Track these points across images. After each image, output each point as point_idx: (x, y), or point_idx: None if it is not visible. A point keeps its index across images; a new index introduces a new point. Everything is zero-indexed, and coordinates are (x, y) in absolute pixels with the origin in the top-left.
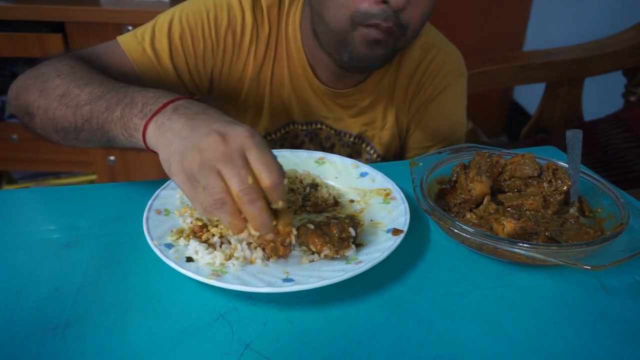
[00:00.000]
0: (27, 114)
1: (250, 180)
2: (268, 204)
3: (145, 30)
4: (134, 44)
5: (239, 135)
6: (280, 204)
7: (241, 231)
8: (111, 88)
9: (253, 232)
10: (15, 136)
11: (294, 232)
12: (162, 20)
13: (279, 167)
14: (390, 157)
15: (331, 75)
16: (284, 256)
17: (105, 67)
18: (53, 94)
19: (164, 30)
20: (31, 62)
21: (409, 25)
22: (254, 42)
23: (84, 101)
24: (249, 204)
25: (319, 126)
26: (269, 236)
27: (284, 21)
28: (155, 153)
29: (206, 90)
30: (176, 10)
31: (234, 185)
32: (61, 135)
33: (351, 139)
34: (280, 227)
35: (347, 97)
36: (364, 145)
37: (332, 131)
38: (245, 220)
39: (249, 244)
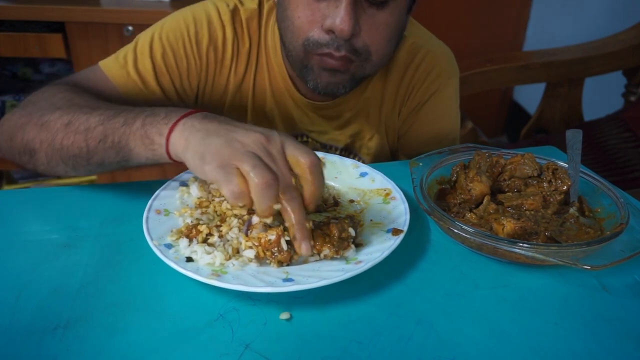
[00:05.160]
0: (26, 152)
1: (293, 181)
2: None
3: (127, 52)
4: (117, 69)
5: (278, 137)
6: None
7: (269, 215)
8: (124, 108)
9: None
10: None
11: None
12: (142, 40)
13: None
14: None
15: None
16: (285, 262)
17: (88, 92)
18: (56, 125)
19: (146, 51)
20: (31, 62)
21: (370, 50)
22: (235, 56)
23: (96, 123)
24: (290, 201)
25: (304, 139)
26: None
27: (263, 33)
28: (174, 162)
29: (192, 104)
30: (156, 29)
31: (281, 179)
32: (70, 163)
33: (337, 152)
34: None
35: (330, 108)
36: (351, 157)
37: (318, 144)
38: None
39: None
